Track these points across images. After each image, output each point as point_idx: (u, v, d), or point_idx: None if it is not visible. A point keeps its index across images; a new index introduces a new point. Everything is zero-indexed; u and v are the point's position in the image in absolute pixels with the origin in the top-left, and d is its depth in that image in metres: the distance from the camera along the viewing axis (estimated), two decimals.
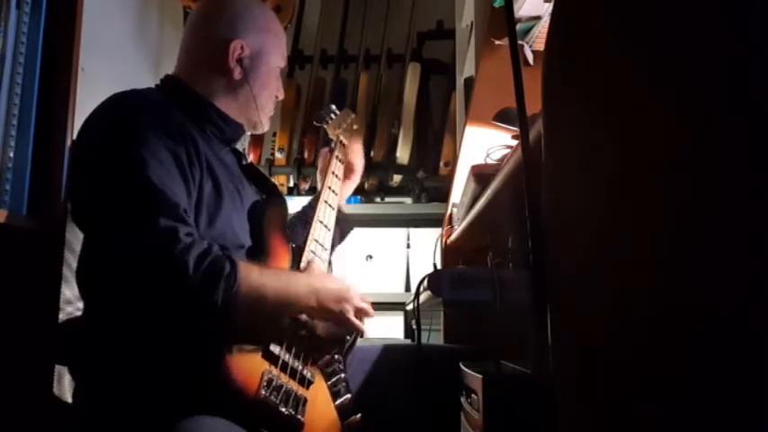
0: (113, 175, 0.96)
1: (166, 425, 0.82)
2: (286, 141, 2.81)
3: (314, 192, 2.70)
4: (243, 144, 1.21)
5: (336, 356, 1.11)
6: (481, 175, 1.18)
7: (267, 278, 0.96)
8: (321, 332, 1.09)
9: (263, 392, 0.92)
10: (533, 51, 1.20)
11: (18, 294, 1.10)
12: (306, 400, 0.98)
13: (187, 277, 0.87)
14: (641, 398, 0.54)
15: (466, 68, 2.24)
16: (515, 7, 1.12)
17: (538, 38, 1.18)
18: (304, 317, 1.04)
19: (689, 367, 0.53)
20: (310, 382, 1.01)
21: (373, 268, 2.59)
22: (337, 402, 1.06)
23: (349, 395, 1.08)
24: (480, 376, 0.85)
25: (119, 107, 1.04)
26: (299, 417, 0.95)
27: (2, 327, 1.08)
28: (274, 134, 2.80)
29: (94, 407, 0.97)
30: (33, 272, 1.10)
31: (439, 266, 1.98)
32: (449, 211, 1.97)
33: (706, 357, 0.52)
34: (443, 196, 2.39)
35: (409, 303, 1.72)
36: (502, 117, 1.24)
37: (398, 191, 2.80)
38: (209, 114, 1.13)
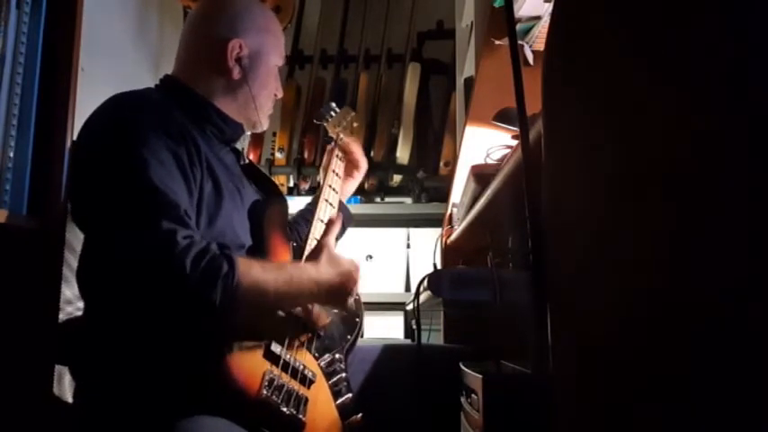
0: (114, 175, 0.96)
1: (167, 425, 0.82)
2: (286, 141, 2.81)
3: (314, 191, 2.71)
4: (242, 144, 1.21)
5: (338, 356, 1.11)
6: (481, 175, 1.18)
7: (268, 273, 0.96)
8: (322, 330, 1.09)
9: (265, 392, 0.92)
10: (533, 51, 1.20)
11: (18, 294, 1.10)
12: (307, 400, 0.98)
13: (185, 277, 0.87)
14: (641, 398, 0.54)
15: (466, 68, 2.24)
16: (515, 7, 1.12)
17: (538, 38, 1.18)
18: (312, 307, 1.04)
19: (689, 367, 0.53)
20: (311, 382, 1.02)
21: (373, 268, 2.59)
22: (338, 402, 1.06)
23: (350, 395, 1.08)
24: (480, 376, 0.85)
25: (119, 108, 1.04)
26: (301, 416, 0.95)
27: (2, 327, 1.08)
28: (274, 134, 2.80)
29: (95, 407, 0.97)
30: (33, 272, 1.10)
31: (439, 266, 1.98)
32: (449, 211, 1.97)
33: (706, 357, 0.52)
34: (443, 196, 2.39)
35: (409, 303, 1.72)
36: (502, 117, 1.24)
37: (398, 191, 2.80)
38: (208, 114, 1.13)
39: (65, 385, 1.12)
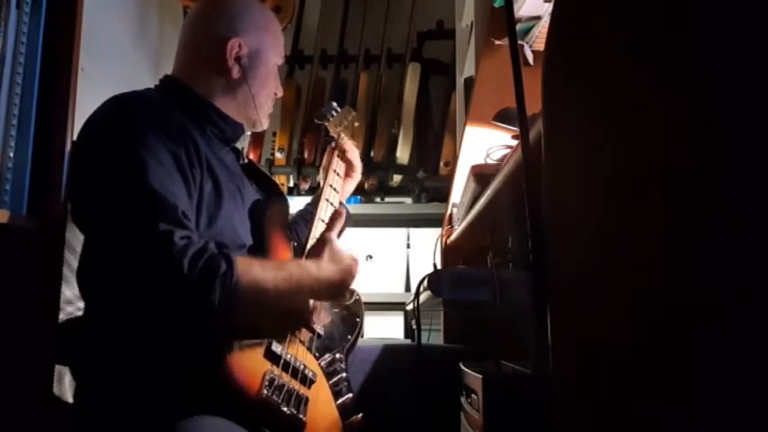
0: (113, 177, 0.96)
1: (167, 425, 0.82)
2: (286, 141, 2.81)
3: (314, 191, 2.71)
4: (243, 143, 1.21)
5: (338, 356, 1.11)
6: (481, 175, 1.18)
7: (267, 271, 0.96)
8: (322, 331, 1.09)
9: (265, 392, 0.92)
10: (533, 51, 1.20)
11: (18, 294, 1.10)
12: (307, 400, 0.98)
13: (183, 277, 0.86)
14: (641, 398, 0.54)
15: (466, 68, 2.24)
16: (515, 7, 1.12)
17: (538, 38, 1.18)
18: (313, 303, 1.04)
19: (689, 367, 0.53)
20: (312, 382, 1.02)
21: (373, 268, 2.59)
22: (339, 402, 1.06)
23: (350, 395, 1.08)
24: (480, 376, 0.85)
25: (119, 109, 1.04)
26: (301, 416, 0.95)
27: (2, 327, 1.08)
28: (274, 134, 2.80)
29: (95, 407, 0.97)
30: (33, 272, 1.10)
31: (439, 266, 1.98)
32: (449, 211, 1.97)
33: (706, 357, 0.52)
34: (443, 196, 2.39)
35: (409, 303, 1.72)
36: (502, 117, 1.24)
37: (398, 191, 2.80)
38: (208, 114, 1.13)
39: (65, 385, 1.12)
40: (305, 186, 2.81)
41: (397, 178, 2.75)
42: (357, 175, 1.48)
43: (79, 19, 1.18)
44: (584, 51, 0.61)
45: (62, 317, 1.09)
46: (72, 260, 1.11)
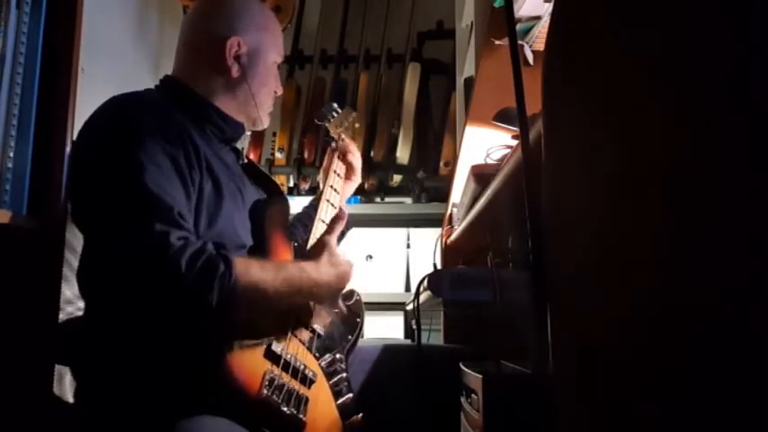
0: (112, 178, 0.96)
1: (168, 425, 0.82)
2: (286, 141, 2.81)
3: (314, 192, 2.70)
4: (243, 143, 1.20)
5: (338, 356, 1.11)
6: (481, 175, 1.18)
7: (267, 272, 0.96)
8: (322, 331, 1.09)
9: (265, 392, 0.92)
10: (533, 51, 1.20)
11: (18, 294, 1.09)
12: (307, 400, 0.98)
13: (181, 278, 0.87)
14: (641, 398, 0.54)
15: (466, 68, 2.24)
16: (515, 7, 1.12)
17: (538, 38, 1.18)
18: (312, 304, 1.04)
19: (689, 367, 0.53)
20: (312, 382, 1.02)
21: (373, 268, 2.59)
22: (339, 402, 1.06)
23: (350, 395, 1.08)
24: (480, 376, 0.85)
25: (119, 109, 1.04)
26: (301, 416, 0.95)
27: (2, 327, 1.08)
28: (274, 134, 2.80)
29: (95, 407, 0.97)
30: (33, 272, 1.09)
31: (439, 266, 1.98)
32: (449, 211, 1.97)
33: (706, 357, 0.52)
34: (443, 196, 2.39)
35: (409, 303, 1.72)
36: (502, 117, 1.24)
37: (398, 191, 2.80)
38: (208, 114, 1.13)
39: (65, 385, 1.12)
40: (305, 186, 2.81)
41: (397, 178, 2.75)
42: (357, 178, 1.48)
43: (79, 19, 1.18)
44: (584, 51, 0.61)
45: (62, 317, 1.09)
46: (72, 260, 1.11)
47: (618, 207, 0.58)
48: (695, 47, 0.56)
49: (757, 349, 0.51)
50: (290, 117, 2.82)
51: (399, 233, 2.66)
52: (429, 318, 1.99)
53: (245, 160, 1.23)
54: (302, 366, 1.01)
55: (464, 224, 1.48)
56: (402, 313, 2.50)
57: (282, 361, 0.98)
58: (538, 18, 1.16)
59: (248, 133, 1.30)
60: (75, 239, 1.11)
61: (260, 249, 1.08)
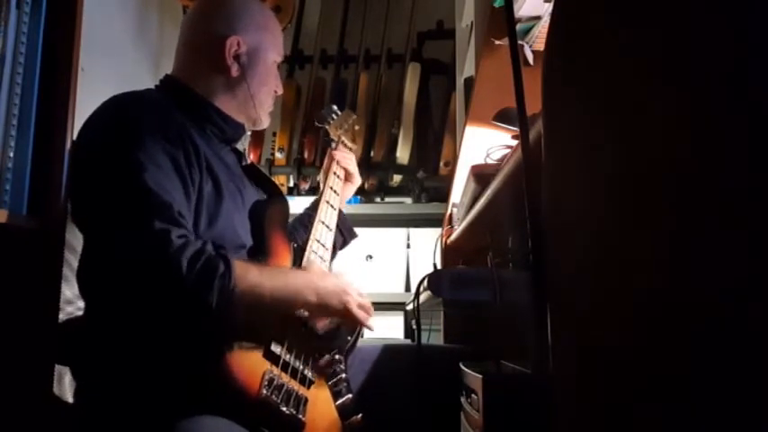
0: (112, 177, 0.96)
1: (167, 425, 0.82)
2: (286, 141, 2.81)
3: (314, 192, 2.71)
4: (243, 144, 1.20)
5: (337, 357, 1.11)
6: (481, 175, 1.18)
7: (265, 277, 0.96)
8: (322, 331, 1.09)
9: (265, 392, 0.92)
10: (533, 51, 1.20)
11: (18, 294, 1.10)
12: (307, 400, 0.98)
13: (181, 278, 0.87)
14: (641, 398, 0.54)
15: (466, 68, 2.24)
16: (515, 7, 1.12)
17: (538, 38, 1.18)
18: (305, 313, 1.04)
19: (689, 367, 0.53)
20: (311, 382, 1.02)
21: (373, 268, 2.59)
22: (338, 402, 1.06)
23: (350, 395, 1.08)
24: (480, 376, 0.85)
25: (119, 109, 1.04)
26: (301, 416, 0.95)
27: (2, 327, 1.08)
28: (274, 134, 2.80)
29: (95, 407, 0.97)
30: (33, 272, 1.10)
31: (439, 266, 1.98)
32: (449, 211, 1.97)
33: (706, 357, 0.52)
34: (443, 196, 2.39)
35: (409, 303, 1.72)
36: (502, 117, 1.24)
37: (398, 191, 2.80)
38: (209, 114, 1.14)
39: (65, 385, 1.12)
40: (305, 186, 2.81)
41: (397, 178, 2.75)
42: (356, 180, 1.48)
43: (79, 19, 1.18)
44: (584, 51, 0.61)
45: (62, 317, 1.09)
46: (72, 260, 1.11)
47: (618, 207, 0.58)
48: (695, 47, 0.56)
49: (757, 349, 0.51)
50: (290, 117, 2.82)
51: (399, 233, 2.66)
52: (429, 318, 1.99)
53: (248, 161, 1.24)
54: (301, 367, 1.01)
55: (464, 224, 1.48)
56: (402, 313, 2.50)
57: (282, 361, 0.98)
58: (538, 18, 1.16)
59: (248, 133, 1.30)
60: (75, 239, 1.11)
61: (259, 250, 1.08)
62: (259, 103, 1.19)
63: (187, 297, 0.88)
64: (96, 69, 1.74)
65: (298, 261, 1.14)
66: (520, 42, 1.18)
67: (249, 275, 0.93)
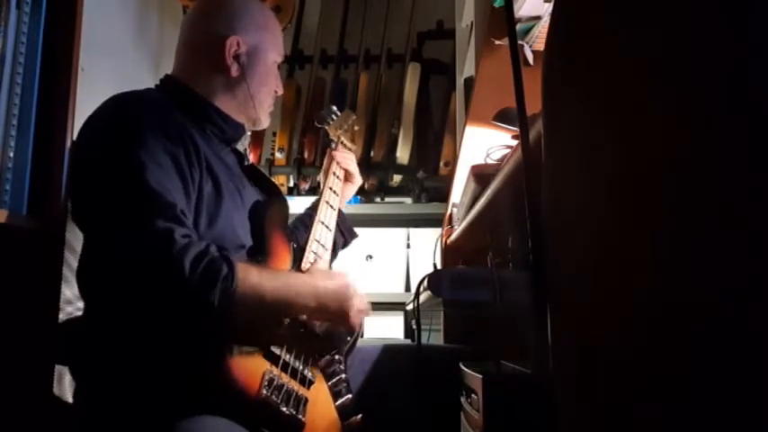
0: (112, 177, 0.96)
1: (167, 425, 0.82)
2: (286, 141, 2.81)
3: (314, 192, 2.71)
4: (244, 145, 1.21)
5: (337, 357, 1.11)
6: (481, 175, 1.18)
7: (265, 279, 0.96)
8: (321, 332, 1.09)
9: (265, 392, 0.92)
10: (533, 51, 1.20)
11: (18, 294, 1.10)
12: (307, 400, 0.98)
13: (184, 278, 0.86)
14: (641, 398, 0.54)
15: (466, 68, 2.24)
16: (515, 7, 1.12)
17: (538, 38, 1.18)
18: (304, 317, 1.04)
19: (689, 367, 0.53)
20: (311, 383, 1.02)
21: (373, 268, 2.59)
22: (338, 403, 1.06)
23: (350, 395, 1.08)
24: (480, 376, 0.85)
25: (119, 109, 1.04)
26: (300, 417, 0.95)
27: (2, 327, 1.08)
28: (274, 134, 2.80)
29: (95, 407, 0.97)
30: (33, 272, 1.10)
31: (439, 266, 1.98)
32: (449, 211, 1.97)
33: (706, 357, 0.52)
34: (443, 196, 2.39)
35: (409, 303, 1.72)
36: (502, 117, 1.24)
37: (398, 191, 2.80)
38: (209, 114, 1.14)
39: (65, 385, 1.12)
40: (305, 186, 2.81)
41: (397, 178, 2.75)
42: (357, 181, 1.48)
43: (79, 19, 1.18)
44: (584, 51, 0.61)
45: (62, 317, 1.09)
46: (72, 260, 1.11)
47: (618, 207, 0.58)
48: (695, 47, 0.56)
49: (757, 349, 0.51)
50: (289, 117, 2.82)
51: (399, 233, 2.66)
52: (429, 318, 1.99)
53: (248, 162, 1.24)
54: (301, 367, 1.01)
55: (464, 224, 1.48)
56: (402, 313, 2.50)
57: (282, 361, 0.98)
58: (538, 18, 1.16)
59: (248, 133, 1.30)
60: (75, 239, 1.11)
61: (259, 250, 1.08)
62: (259, 103, 1.19)
63: (189, 297, 0.88)
64: (96, 69, 1.74)
65: (297, 261, 1.14)
66: (520, 42, 1.18)
67: (250, 277, 0.93)
